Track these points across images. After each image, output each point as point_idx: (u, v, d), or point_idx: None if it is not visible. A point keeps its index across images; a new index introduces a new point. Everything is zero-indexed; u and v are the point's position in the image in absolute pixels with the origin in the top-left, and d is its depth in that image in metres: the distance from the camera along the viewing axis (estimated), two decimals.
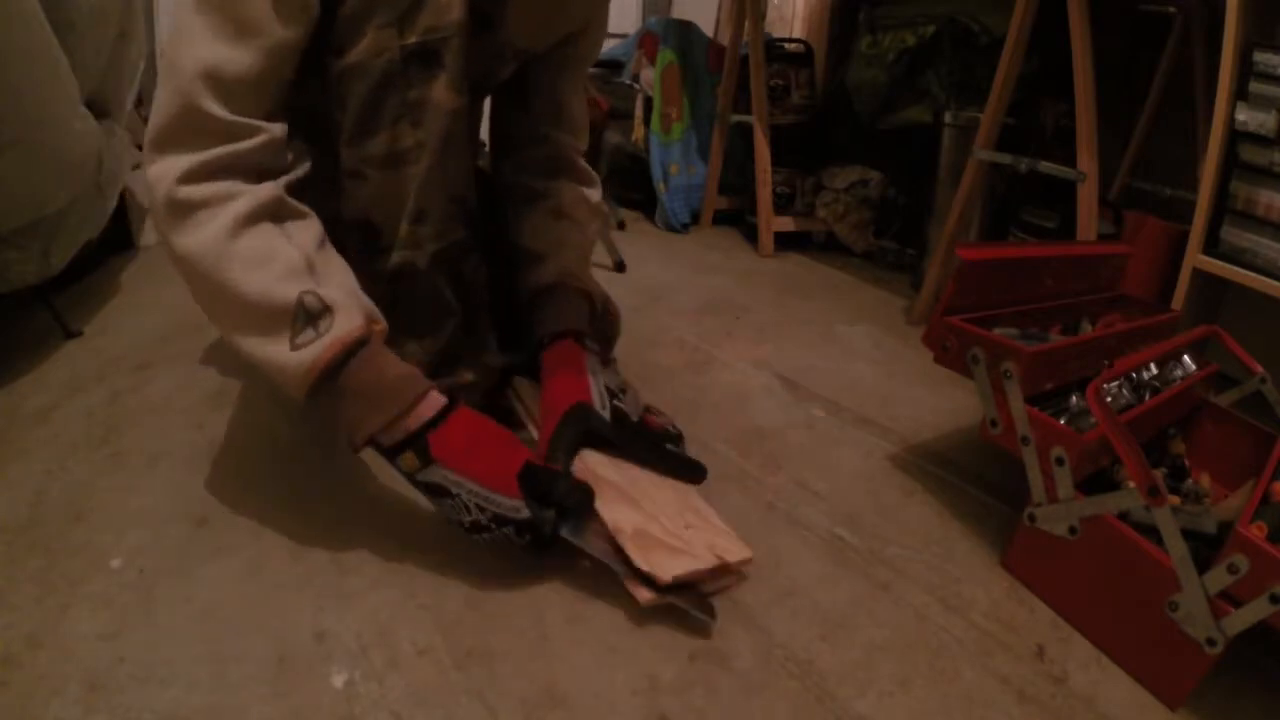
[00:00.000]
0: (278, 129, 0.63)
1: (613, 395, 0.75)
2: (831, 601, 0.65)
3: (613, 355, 0.93)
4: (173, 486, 0.72)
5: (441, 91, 0.67)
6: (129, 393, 0.89)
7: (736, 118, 1.89)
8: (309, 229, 0.64)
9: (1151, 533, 0.58)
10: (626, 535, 0.62)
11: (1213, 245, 1.03)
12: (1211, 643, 0.54)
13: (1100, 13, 1.14)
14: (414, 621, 0.59)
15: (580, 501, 0.64)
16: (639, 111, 1.99)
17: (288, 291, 0.59)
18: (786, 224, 1.86)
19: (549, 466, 0.66)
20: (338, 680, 0.53)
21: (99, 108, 1.09)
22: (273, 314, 0.58)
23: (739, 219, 2.01)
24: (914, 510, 0.80)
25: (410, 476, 0.62)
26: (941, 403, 1.05)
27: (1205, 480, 0.76)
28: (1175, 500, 0.67)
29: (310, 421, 0.85)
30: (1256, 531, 0.54)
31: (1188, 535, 0.57)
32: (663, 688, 0.55)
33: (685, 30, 1.99)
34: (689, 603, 0.61)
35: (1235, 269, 0.99)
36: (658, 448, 0.75)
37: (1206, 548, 0.58)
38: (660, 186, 1.94)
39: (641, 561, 0.60)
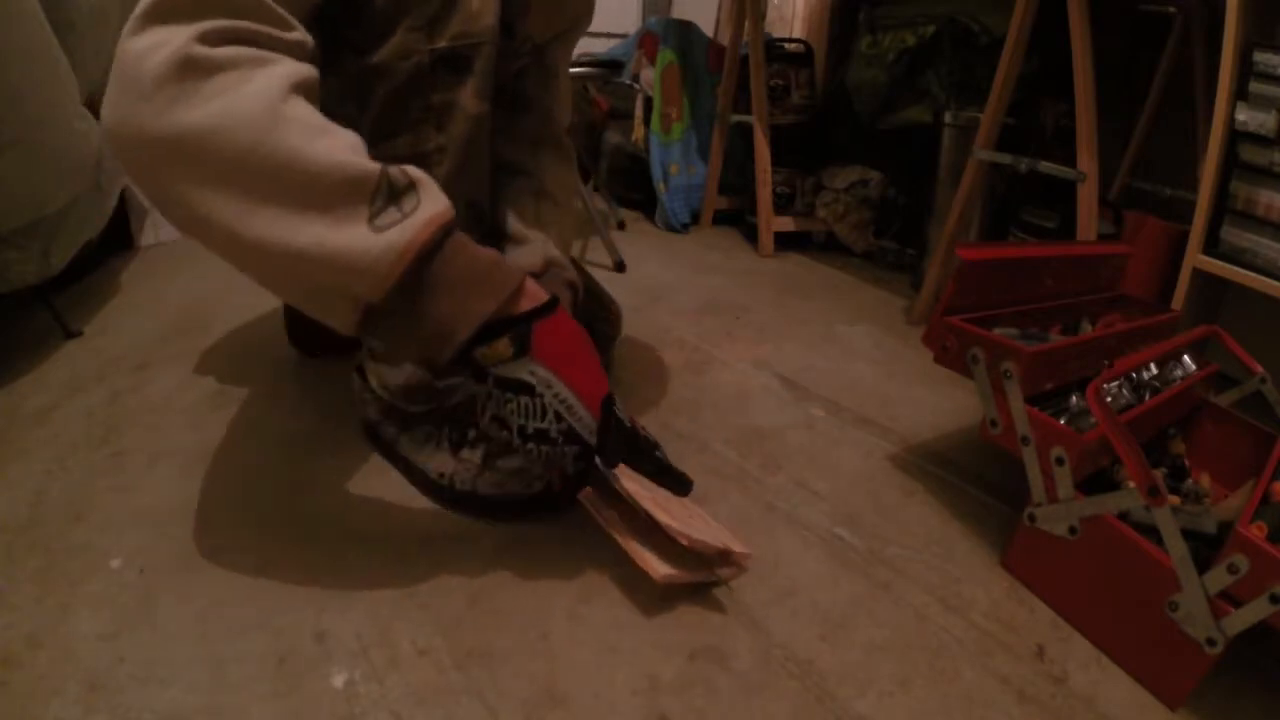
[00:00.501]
0: (311, 40, 0.54)
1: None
2: (831, 601, 0.65)
3: (610, 355, 0.92)
4: (173, 486, 0.72)
5: (468, 97, 0.67)
6: (129, 393, 0.89)
7: (736, 118, 1.89)
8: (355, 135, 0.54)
9: (1151, 533, 0.58)
10: (646, 498, 0.62)
11: (1213, 245, 1.03)
12: (1211, 643, 0.54)
13: (1100, 13, 1.14)
14: (414, 621, 0.59)
15: (652, 447, 0.61)
16: (639, 111, 1.99)
17: (367, 162, 0.49)
18: (786, 224, 1.86)
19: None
20: (338, 680, 0.53)
21: (99, 108, 1.09)
22: (349, 185, 0.48)
23: (739, 219, 2.01)
24: (914, 510, 0.80)
25: (483, 369, 0.56)
26: (941, 403, 1.05)
27: (1205, 480, 0.76)
28: (1175, 500, 0.67)
29: (310, 420, 0.85)
30: (1256, 531, 0.54)
31: (1188, 535, 0.57)
32: (663, 688, 0.55)
33: (685, 30, 1.99)
34: (704, 573, 0.61)
35: (1235, 269, 0.99)
36: (651, 457, 0.70)
37: (1206, 548, 0.58)
38: (660, 186, 1.94)
39: (665, 517, 0.60)
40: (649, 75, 1.95)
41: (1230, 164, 1.00)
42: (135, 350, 1.00)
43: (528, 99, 0.86)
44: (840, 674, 0.58)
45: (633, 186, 2.04)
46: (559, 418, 0.57)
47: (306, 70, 0.51)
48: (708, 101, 2.00)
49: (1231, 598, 0.53)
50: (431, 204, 0.52)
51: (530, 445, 0.58)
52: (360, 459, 0.79)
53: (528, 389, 0.56)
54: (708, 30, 2.16)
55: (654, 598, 0.63)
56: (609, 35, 2.55)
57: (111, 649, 0.54)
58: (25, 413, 0.83)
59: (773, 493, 0.81)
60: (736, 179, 2.00)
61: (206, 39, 0.46)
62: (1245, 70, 0.97)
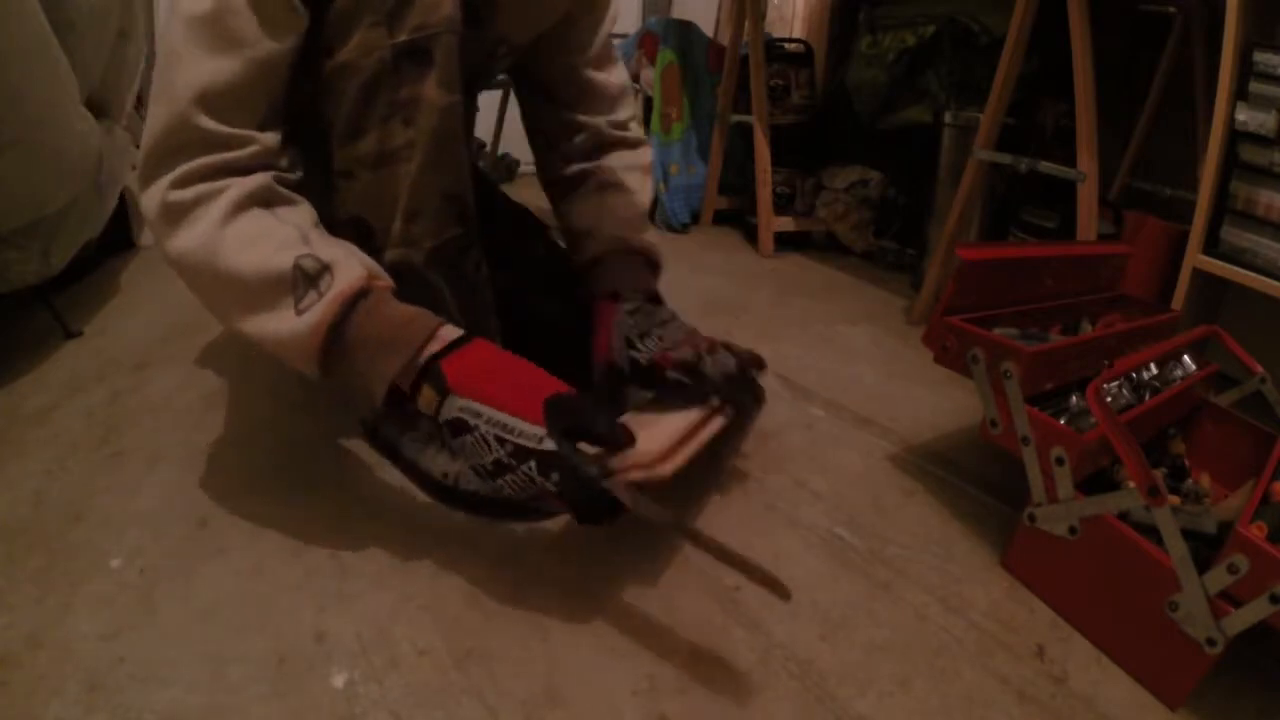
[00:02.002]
0: (269, 138, 0.63)
1: (630, 345, 0.75)
2: (831, 601, 0.65)
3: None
4: (173, 486, 0.72)
5: (432, 89, 0.67)
6: (129, 393, 0.89)
7: (736, 118, 1.89)
8: (302, 212, 0.64)
9: (1151, 533, 0.58)
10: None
11: (1213, 245, 1.03)
12: (1211, 643, 0.54)
13: (1100, 13, 1.14)
14: (414, 621, 0.59)
15: (623, 446, 0.57)
16: (639, 112, 1.99)
17: (283, 259, 0.58)
18: (786, 224, 1.86)
19: (587, 396, 0.59)
20: (338, 680, 0.53)
21: (99, 108, 1.09)
22: (272, 285, 0.57)
23: (739, 219, 2.01)
24: (914, 510, 0.80)
25: (434, 422, 0.58)
26: (941, 403, 1.05)
27: (1205, 480, 0.76)
28: (1175, 500, 0.67)
29: (310, 420, 0.85)
30: (1256, 531, 0.54)
31: (1188, 535, 0.57)
32: (663, 688, 0.55)
33: (685, 30, 1.99)
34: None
35: (1235, 269, 0.99)
36: (663, 386, 0.72)
37: (1206, 548, 0.58)
38: (660, 186, 1.94)
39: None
40: (649, 75, 1.95)
41: (1230, 164, 1.00)
42: (135, 350, 1.00)
43: (576, 124, 0.88)
44: (840, 674, 0.58)
45: None
46: (501, 441, 0.55)
47: (254, 182, 0.60)
48: (708, 101, 2.00)
49: (1231, 598, 0.53)
50: (342, 279, 0.58)
51: (499, 481, 0.56)
52: (360, 459, 0.79)
53: (465, 426, 0.57)
54: (708, 30, 2.16)
55: (655, 598, 0.63)
56: (609, 35, 2.55)
57: (111, 649, 0.54)
58: (25, 413, 0.83)
59: (773, 493, 0.81)
60: (736, 179, 2.00)
61: (176, 184, 0.58)
62: (1245, 70, 0.97)
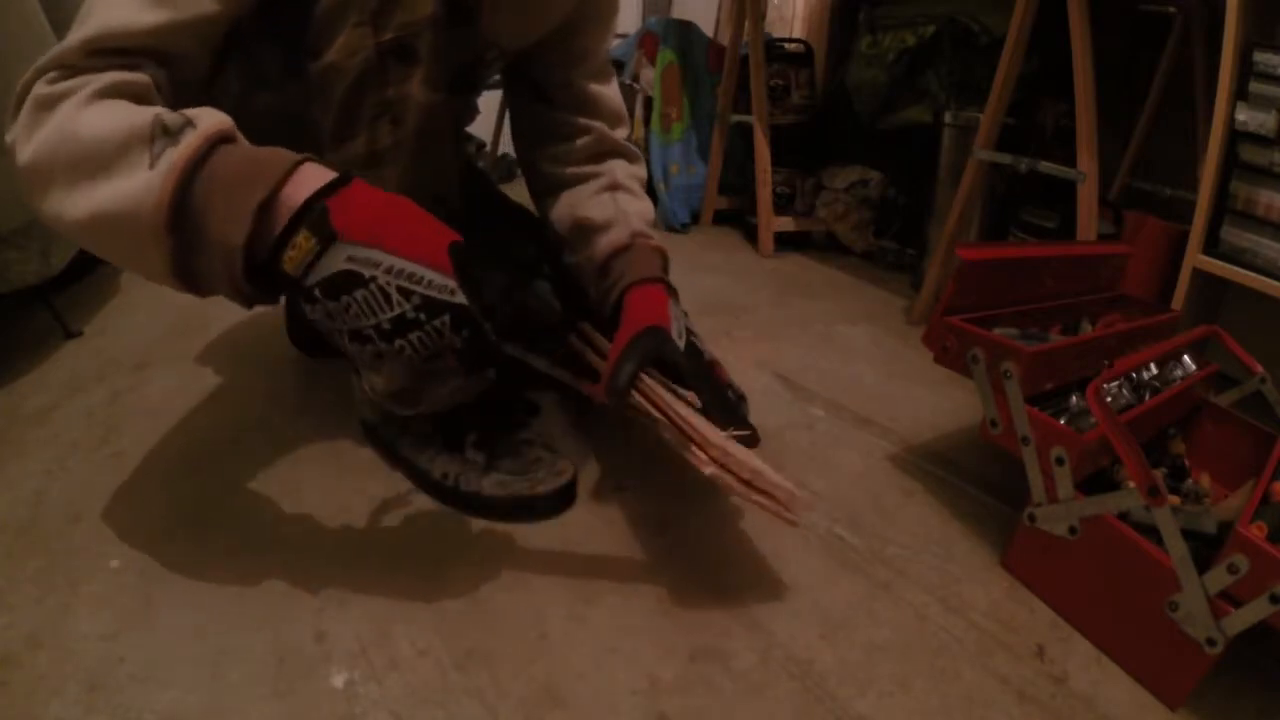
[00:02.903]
0: (161, 75, 0.54)
1: (690, 333, 0.74)
2: (831, 601, 0.65)
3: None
4: (172, 486, 0.72)
5: (418, 87, 0.66)
6: (129, 393, 0.89)
7: (736, 118, 1.89)
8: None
9: (1151, 533, 0.58)
10: (676, 410, 0.59)
11: (1213, 245, 1.03)
12: (1211, 643, 0.54)
13: (1100, 13, 1.14)
14: (414, 621, 0.59)
15: (546, 316, 0.53)
16: (639, 111, 1.99)
17: (143, 115, 0.49)
18: (786, 224, 1.86)
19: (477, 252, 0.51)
20: (338, 680, 0.53)
21: None
22: (127, 140, 0.48)
23: (739, 219, 2.01)
24: (914, 510, 0.80)
25: (300, 285, 0.48)
26: (941, 403, 1.05)
27: (1205, 480, 0.76)
28: (1175, 500, 0.67)
29: (309, 420, 0.85)
30: (1256, 531, 0.54)
31: (1188, 535, 0.57)
32: (663, 688, 0.55)
33: (685, 30, 1.99)
34: (761, 494, 0.55)
35: (1235, 269, 0.99)
36: (720, 394, 0.71)
37: (1206, 548, 0.58)
38: (660, 186, 1.94)
39: (692, 428, 0.57)
40: (649, 75, 1.95)
41: (1230, 164, 1.00)
42: (135, 350, 1.00)
43: (582, 126, 0.87)
44: (840, 674, 0.58)
45: None
46: (406, 293, 0.47)
47: (136, 78, 0.52)
48: (708, 101, 2.00)
49: (1231, 598, 0.53)
50: (205, 125, 0.49)
51: (399, 342, 0.49)
52: (360, 459, 0.79)
53: (355, 280, 0.47)
54: (708, 30, 2.16)
55: (655, 598, 0.63)
56: (609, 47, 2.55)
57: (111, 649, 0.54)
58: (25, 413, 0.83)
59: None
60: (736, 179, 2.00)
61: (50, 81, 0.50)
62: (1245, 70, 0.97)
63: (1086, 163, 1.18)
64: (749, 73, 1.80)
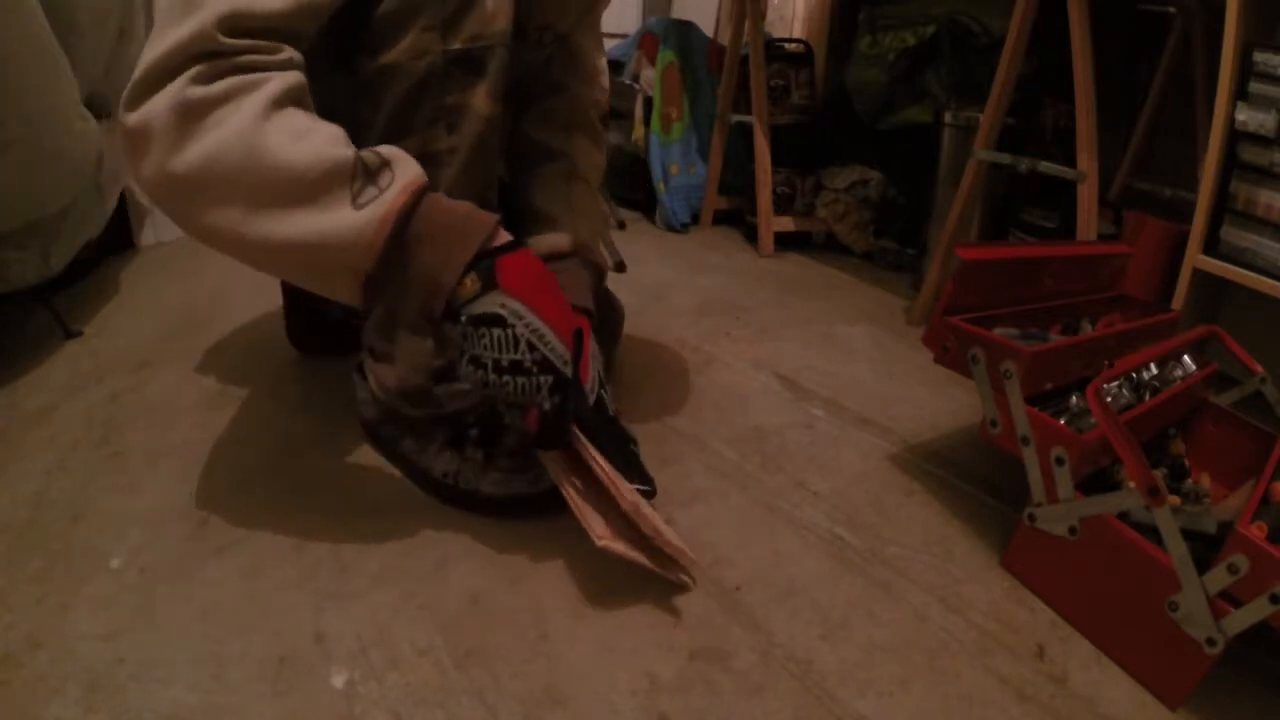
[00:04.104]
0: (299, 55, 0.58)
1: (601, 384, 0.75)
2: (831, 601, 0.66)
3: (615, 354, 0.92)
4: (173, 486, 0.72)
5: (481, 99, 0.67)
6: (129, 393, 0.89)
7: (736, 118, 1.89)
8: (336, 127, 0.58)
9: (1151, 533, 0.58)
10: (615, 476, 0.61)
11: (1213, 245, 1.03)
12: (1211, 643, 0.54)
13: (1100, 13, 1.14)
14: (414, 621, 0.59)
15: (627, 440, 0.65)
16: (639, 111, 1.98)
17: (343, 151, 0.55)
18: (786, 224, 1.86)
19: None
20: (338, 680, 0.53)
21: (99, 108, 1.08)
22: (329, 176, 0.54)
23: (739, 219, 2.01)
24: (914, 510, 0.80)
25: (456, 311, 0.58)
26: (941, 403, 1.05)
27: (1205, 480, 0.76)
28: (1175, 500, 0.66)
29: (310, 420, 0.85)
30: (1256, 531, 0.54)
31: (1188, 535, 0.57)
32: (663, 688, 0.55)
33: (685, 30, 1.98)
34: (659, 562, 0.62)
35: (1235, 269, 0.99)
36: (624, 448, 0.73)
37: (1206, 548, 0.58)
38: (660, 186, 1.93)
39: (631, 497, 0.60)
40: (649, 75, 1.95)
41: (1230, 164, 1.00)
42: (135, 350, 1.00)
43: (557, 83, 0.86)
44: (840, 674, 0.58)
45: (633, 186, 2.04)
46: (531, 347, 0.58)
47: (293, 78, 0.55)
48: (708, 101, 2.00)
49: (1231, 598, 0.53)
50: (404, 174, 0.56)
51: (506, 378, 0.59)
52: (360, 459, 0.79)
53: (499, 321, 0.58)
54: (708, 30, 2.15)
55: (655, 598, 0.63)
56: (609, 35, 2.55)
57: (111, 649, 0.54)
58: (25, 413, 0.83)
59: (773, 493, 0.81)
60: (736, 179, 2.00)
61: (200, 80, 0.51)
62: (1245, 70, 0.97)
63: (1086, 163, 1.18)
64: (749, 73, 1.80)
